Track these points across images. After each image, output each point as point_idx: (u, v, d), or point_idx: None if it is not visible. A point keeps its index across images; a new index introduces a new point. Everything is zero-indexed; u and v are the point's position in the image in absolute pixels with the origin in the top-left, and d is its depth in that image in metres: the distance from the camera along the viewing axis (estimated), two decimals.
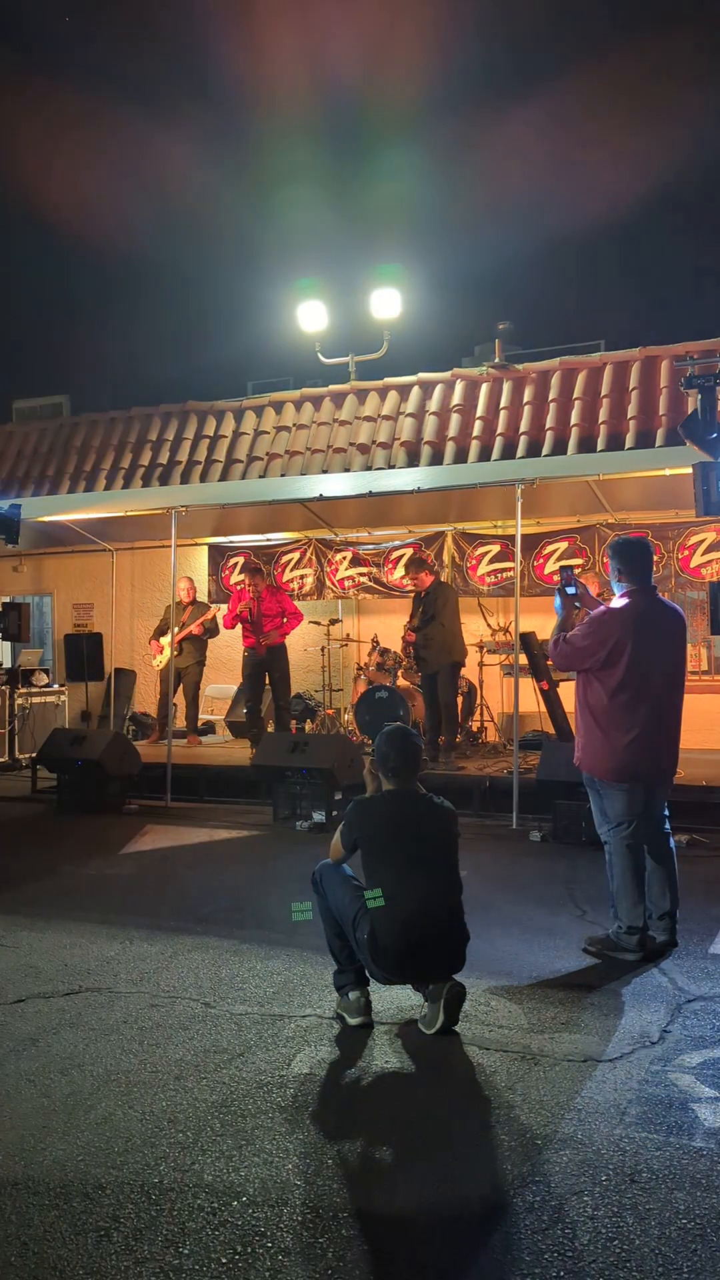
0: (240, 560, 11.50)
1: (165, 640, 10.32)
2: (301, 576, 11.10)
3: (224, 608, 10.75)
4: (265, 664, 9.61)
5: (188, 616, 10.33)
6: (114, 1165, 2.82)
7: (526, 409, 10.71)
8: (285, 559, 11.19)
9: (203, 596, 11.52)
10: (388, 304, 12.55)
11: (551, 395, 10.70)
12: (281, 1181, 2.73)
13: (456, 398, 11.18)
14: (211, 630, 10.45)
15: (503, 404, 10.91)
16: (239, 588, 11.32)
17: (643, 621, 4.56)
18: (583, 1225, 2.52)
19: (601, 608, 4.75)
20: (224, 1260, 2.39)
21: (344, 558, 10.99)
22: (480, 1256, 2.44)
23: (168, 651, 10.21)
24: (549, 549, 10.00)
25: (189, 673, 10.36)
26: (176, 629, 10.09)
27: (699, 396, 5.79)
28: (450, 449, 10.79)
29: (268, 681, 9.80)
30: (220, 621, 10.43)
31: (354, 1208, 2.62)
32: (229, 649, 11.73)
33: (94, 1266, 2.38)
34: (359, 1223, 2.56)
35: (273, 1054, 3.55)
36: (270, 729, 9.75)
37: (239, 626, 9.83)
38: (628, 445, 9.86)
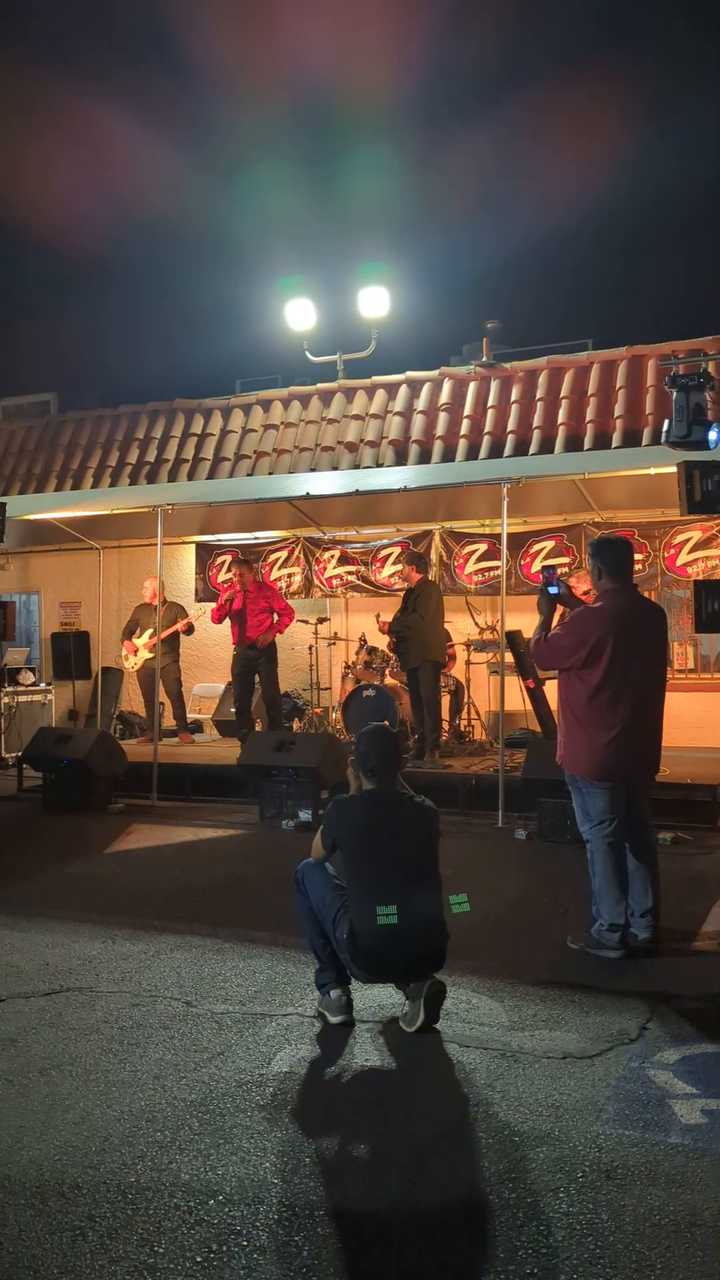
0: (228, 559, 11.48)
1: (140, 641, 10.29)
2: (289, 575, 11.09)
3: (207, 607, 10.73)
4: (254, 661, 9.59)
5: (161, 616, 10.29)
6: (91, 1165, 2.82)
7: (514, 408, 10.72)
8: (273, 557, 11.18)
9: (188, 594, 11.51)
10: (376, 302, 12.54)
11: (539, 394, 10.72)
12: (259, 1180, 2.74)
13: (444, 396, 11.18)
14: (190, 629, 10.46)
15: (490, 403, 10.92)
16: (226, 584, 11.31)
17: (623, 620, 4.57)
18: (558, 1222, 2.53)
19: (582, 607, 4.76)
20: (199, 1259, 2.39)
21: (332, 556, 10.98)
22: (455, 1254, 2.45)
23: (143, 653, 10.19)
24: (536, 547, 10.02)
25: (167, 671, 10.32)
26: (152, 630, 10.04)
27: (682, 396, 5.79)
28: (438, 448, 10.80)
29: (257, 680, 9.78)
30: (194, 624, 10.44)
31: (330, 1206, 2.62)
32: (216, 647, 11.72)
33: (68, 1265, 2.37)
34: (335, 1221, 2.56)
35: (253, 1053, 3.55)
36: (260, 728, 9.73)
37: (227, 623, 9.81)
38: (614, 444, 9.88)
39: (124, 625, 10.74)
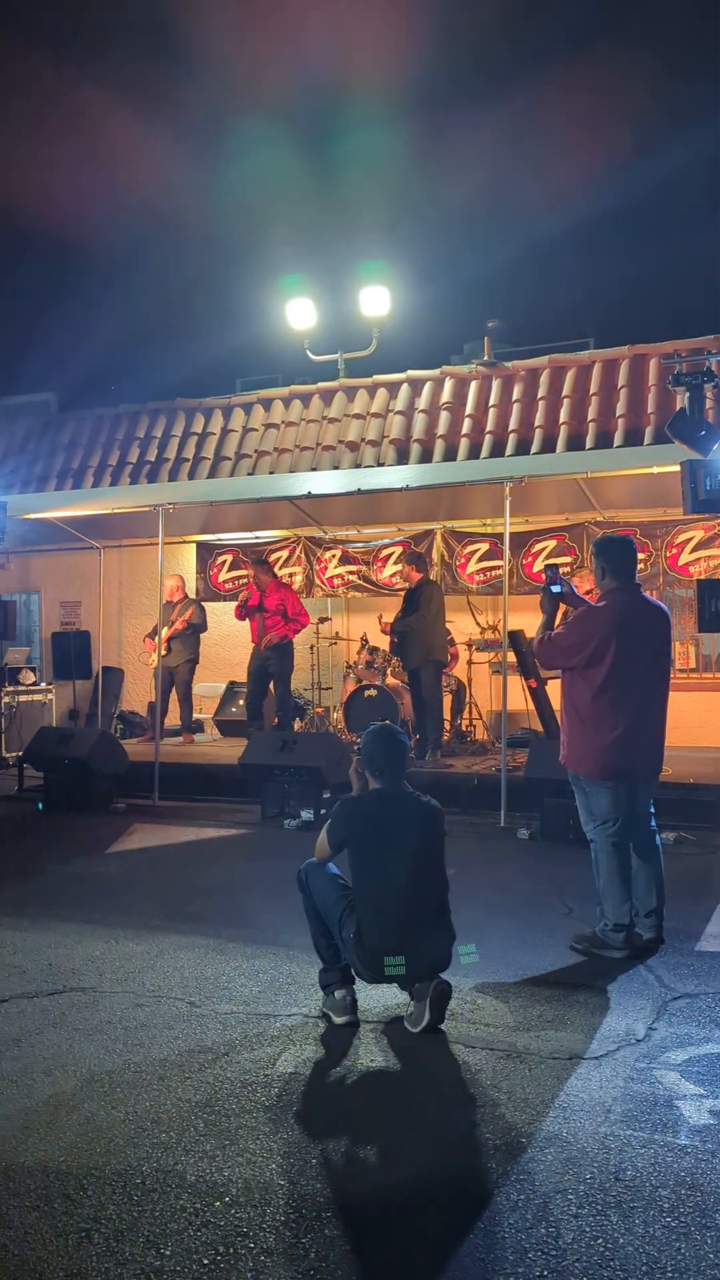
0: (229, 558, 11.47)
1: (158, 639, 10.31)
2: (290, 574, 11.07)
3: (205, 606, 10.74)
4: (267, 662, 9.58)
5: (175, 615, 10.30)
6: (96, 1166, 2.80)
7: (515, 407, 10.71)
8: (274, 557, 11.16)
9: (190, 593, 11.49)
10: (376, 301, 12.52)
11: (540, 393, 10.70)
12: (265, 1181, 2.72)
13: (446, 395, 11.17)
14: (197, 626, 10.40)
15: (492, 402, 10.90)
16: (228, 583, 11.30)
17: (626, 620, 4.56)
18: (567, 1224, 2.51)
19: (585, 606, 4.75)
20: (205, 1261, 2.38)
21: (333, 556, 10.97)
22: (464, 1255, 2.43)
23: (161, 650, 10.20)
24: (538, 547, 10.00)
25: (180, 671, 10.32)
26: (165, 628, 10.07)
27: (686, 394, 5.79)
28: (439, 447, 10.78)
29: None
30: (206, 619, 10.43)
31: (337, 1207, 2.61)
32: (217, 647, 11.71)
33: (75, 1268, 2.36)
34: (342, 1222, 2.54)
35: (258, 1053, 3.53)
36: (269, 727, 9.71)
37: (227, 622, 9.80)
38: (616, 443, 9.86)
39: (133, 625, 10.75)
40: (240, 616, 9.79)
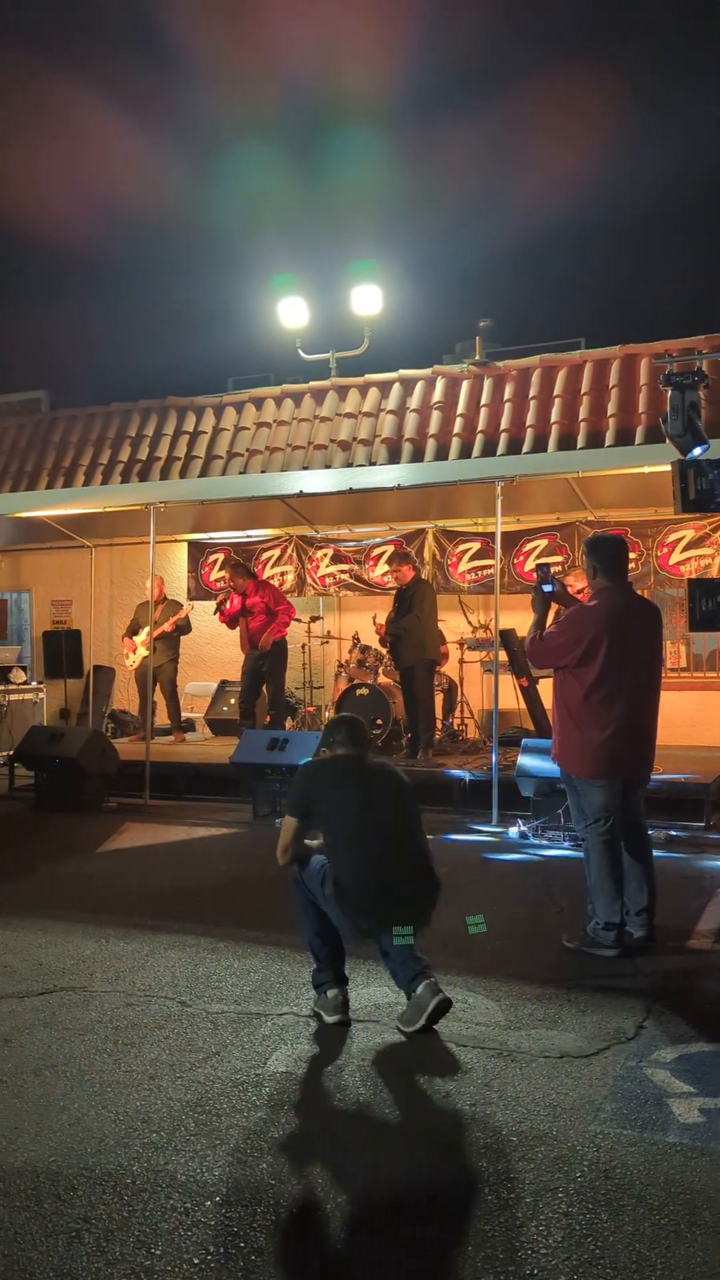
0: (220, 557, 11.45)
1: (138, 639, 10.28)
2: (282, 573, 11.06)
3: (197, 605, 10.72)
4: (259, 662, 9.57)
5: (159, 615, 10.27)
6: (86, 1166, 2.80)
7: (507, 406, 10.72)
8: (266, 556, 11.15)
9: (180, 593, 11.46)
10: (369, 300, 12.52)
11: (532, 393, 10.71)
12: (255, 1181, 2.72)
13: (437, 395, 11.17)
14: (184, 628, 10.38)
15: (483, 401, 10.91)
16: (219, 582, 11.29)
17: (618, 618, 4.56)
18: (557, 1222, 2.52)
19: (577, 605, 4.76)
20: (196, 1261, 2.38)
21: (325, 555, 10.96)
22: (454, 1254, 2.44)
23: (141, 650, 10.18)
24: (529, 546, 10.01)
25: (163, 670, 10.31)
26: (149, 628, 10.05)
27: (671, 394, 5.78)
28: (431, 446, 10.78)
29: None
30: (191, 620, 10.42)
31: (328, 1207, 2.61)
32: (208, 646, 11.69)
33: (65, 1268, 2.35)
34: (333, 1222, 2.54)
35: (249, 1053, 3.53)
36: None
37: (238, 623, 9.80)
38: (607, 443, 9.87)
39: (124, 624, 10.71)
40: (230, 625, 9.77)
